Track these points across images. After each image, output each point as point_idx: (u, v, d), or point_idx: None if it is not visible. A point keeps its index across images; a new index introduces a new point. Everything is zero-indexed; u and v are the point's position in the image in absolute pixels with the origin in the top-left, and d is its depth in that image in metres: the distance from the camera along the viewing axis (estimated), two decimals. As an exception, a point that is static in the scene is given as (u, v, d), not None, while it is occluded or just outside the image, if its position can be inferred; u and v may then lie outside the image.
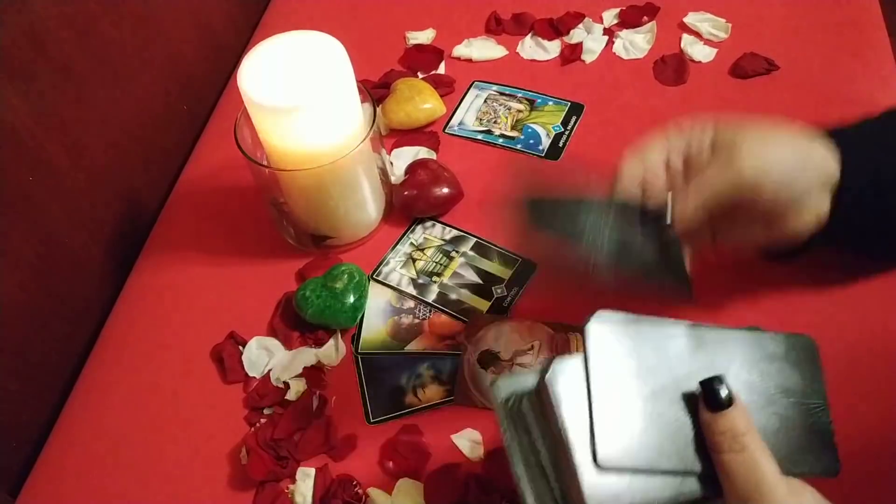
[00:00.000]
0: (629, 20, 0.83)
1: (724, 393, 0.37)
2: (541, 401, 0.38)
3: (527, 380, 0.40)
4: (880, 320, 0.59)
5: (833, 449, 0.39)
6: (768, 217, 0.51)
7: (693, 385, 0.38)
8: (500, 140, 0.75)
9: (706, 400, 0.37)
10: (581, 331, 0.38)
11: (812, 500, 0.36)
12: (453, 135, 0.76)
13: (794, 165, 0.49)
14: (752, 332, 0.42)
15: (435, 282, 0.65)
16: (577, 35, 0.83)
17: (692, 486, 0.37)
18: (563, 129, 0.75)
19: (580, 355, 0.38)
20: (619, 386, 0.37)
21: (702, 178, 0.49)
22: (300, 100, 0.55)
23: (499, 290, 0.64)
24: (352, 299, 0.62)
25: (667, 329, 0.40)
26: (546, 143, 0.74)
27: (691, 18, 0.82)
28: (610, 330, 0.38)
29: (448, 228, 0.69)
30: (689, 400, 0.38)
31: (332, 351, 0.62)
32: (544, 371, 0.38)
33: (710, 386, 0.37)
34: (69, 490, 0.57)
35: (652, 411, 0.37)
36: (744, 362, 0.40)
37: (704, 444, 0.38)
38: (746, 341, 0.41)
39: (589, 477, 0.36)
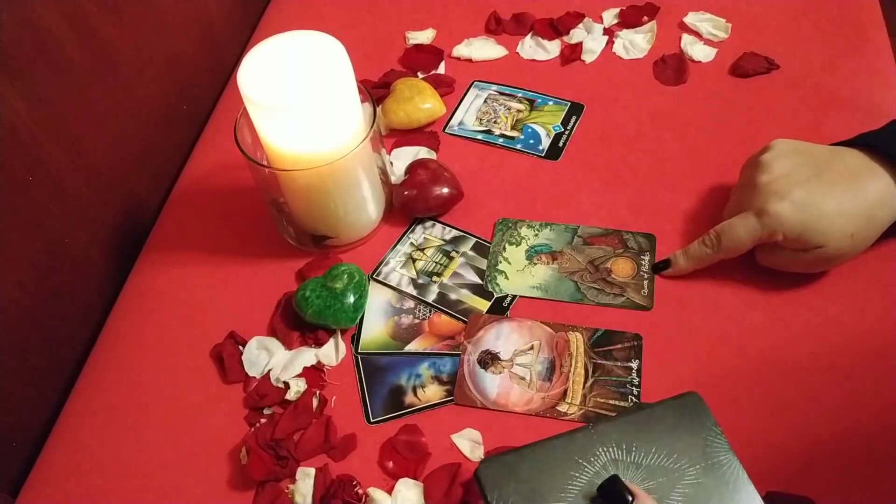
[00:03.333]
0: (629, 20, 0.83)
1: (622, 491, 0.38)
2: None
3: None
4: (880, 318, 0.59)
5: (755, 495, 0.40)
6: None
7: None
8: (500, 140, 0.75)
9: (607, 501, 0.38)
10: (476, 477, 0.39)
11: None
12: (453, 135, 0.76)
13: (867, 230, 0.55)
14: (638, 412, 0.42)
15: (435, 282, 0.65)
16: (577, 35, 0.83)
17: None
18: (563, 129, 0.75)
19: None
20: None
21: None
22: (300, 100, 0.55)
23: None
24: (352, 299, 0.62)
25: (556, 447, 0.41)
26: (546, 143, 0.74)
27: (691, 18, 0.82)
28: (500, 465, 0.40)
29: (448, 228, 0.69)
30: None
31: (332, 351, 0.62)
32: None
33: (607, 489, 0.38)
34: (69, 490, 0.57)
35: None
36: (639, 447, 0.41)
37: None
38: (635, 424, 0.42)
39: None
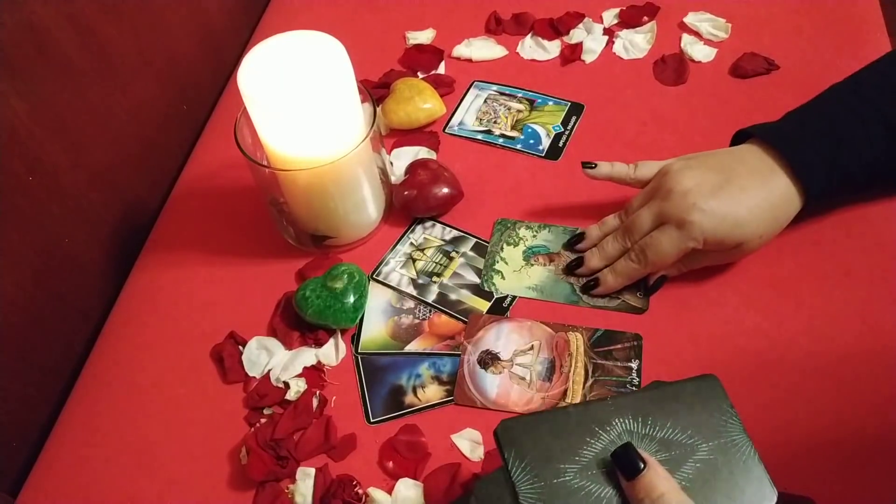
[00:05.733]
0: (629, 20, 0.83)
1: (634, 459, 0.38)
2: None
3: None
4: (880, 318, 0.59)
5: (765, 477, 0.40)
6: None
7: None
8: (500, 140, 0.75)
9: (620, 469, 0.39)
10: (495, 435, 0.40)
11: None
12: (453, 135, 0.76)
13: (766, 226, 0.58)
14: (655, 388, 0.43)
15: (435, 282, 0.65)
16: (577, 35, 0.83)
17: None
18: (563, 129, 0.75)
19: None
20: (541, 473, 0.39)
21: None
22: (300, 100, 0.55)
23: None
24: (352, 299, 0.62)
25: (575, 414, 0.41)
26: (546, 143, 0.74)
27: (691, 18, 0.82)
28: (519, 425, 0.40)
29: (448, 228, 0.69)
30: (612, 473, 0.39)
31: (332, 351, 0.62)
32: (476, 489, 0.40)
33: (620, 455, 0.39)
34: (69, 490, 0.57)
35: (579, 489, 0.39)
36: (654, 421, 0.41)
37: None
38: (652, 400, 0.42)
39: None
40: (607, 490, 0.39)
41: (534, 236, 0.67)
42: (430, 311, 0.64)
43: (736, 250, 0.59)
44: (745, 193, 0.57)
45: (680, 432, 0.41)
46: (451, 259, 0.67)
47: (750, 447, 0.41)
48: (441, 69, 0.82)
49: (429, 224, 0.69)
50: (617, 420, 0.41)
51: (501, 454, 0.40)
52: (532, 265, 0.65)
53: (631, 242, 0.60)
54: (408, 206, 0.69)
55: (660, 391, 0.42)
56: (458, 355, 0.60)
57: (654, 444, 0.40)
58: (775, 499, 0.39)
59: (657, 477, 0.38)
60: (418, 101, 0.75)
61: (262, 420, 0.58)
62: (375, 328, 0.63)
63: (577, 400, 0.57)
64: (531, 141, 0.74)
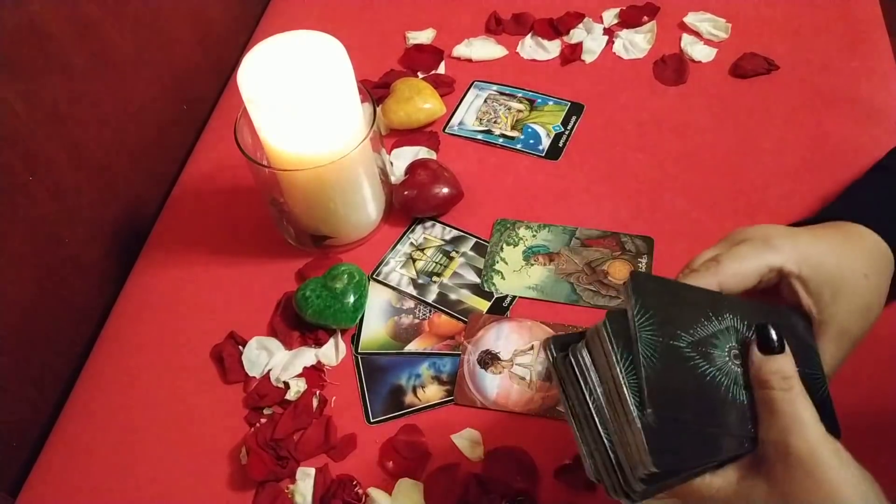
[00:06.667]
0: (629, 20, 0.83)
1: (777, 338, 0.40)
2: (597, 350, 0.40)
3: (575, 336, 0.42)
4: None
5: (833, 417, 0.41)
6: None
7: (722, 344, 0.40)
8: (500, 140, 0.75)
9: (760, 343, 0.40)
10: (624, 285, 0.40)
11: (844, 451, 0.37)
12: (453, 135, 0.76)
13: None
14: (769, 306, 0.44)
15: (435, 282, 0.65)
16: (577, 35, 0.83)
17: (731, 443, 0.39)
18: (563, 129, 0.75)
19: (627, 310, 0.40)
20: (660, 329, 0.39)
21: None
22: (300, 100, 0.55)
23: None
24: (352, 299, 0.62)
25: (695, 294, 0.42)
26: (546, 142, 0.74)
27: (691, 18, 0.82)
28: (650, 280, 0.41)
29: (448, 228, 0.69)
30: (720, 356, 0.40)
31: (332, 351, 0.62)
32: (598, 325, 0.40)
33: (765, 331, 0.40)
34: (69, 490, 0.57)
35: (688, 358, 0.39)
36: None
37: (738, 404, 0.39)
38: (764, 313, 0.43)
39: (646, 425, 0.37)
40: (710, 368, 0.39)
41: (534, 236, 0.67)
42: (430, 311, 0.64)
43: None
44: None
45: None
46: (451, 259, 0.67)
47: (826, 388, 0.42)
48: (441, 69, 0.82)
49: (429, 224, 0.69)
50: (729, 315, 0.41)
51: (630, 298, 0.40)
52: (532, 265, 0.65)
53: None
54: (408, 206, 0.69)
55: (773, 309, 0.43)
56: (458, 355, 0.60)
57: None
58: (839, 438, 0.39)
59: (790, 362, 0.39)
60: (418, 101, 0.75)
61: (262, 420, 0.58)
62: (375, 328, 0.63)
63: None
64: (531, 141, 0.74)
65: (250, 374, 0.61)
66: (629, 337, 0.39)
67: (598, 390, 0.40)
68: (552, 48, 0.82)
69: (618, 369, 0.38)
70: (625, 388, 0.38)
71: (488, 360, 0.60)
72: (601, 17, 0.84)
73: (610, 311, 0.40)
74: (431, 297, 0.64)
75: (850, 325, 0.45)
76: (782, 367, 0.39)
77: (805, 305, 0.45)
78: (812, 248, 0.46)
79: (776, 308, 0.44)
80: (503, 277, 0.65)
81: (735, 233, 0.49)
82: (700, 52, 0.79)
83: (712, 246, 0.48)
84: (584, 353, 0.40)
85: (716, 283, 0.44)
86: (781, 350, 0.39)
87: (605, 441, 0.39)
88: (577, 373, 0.40)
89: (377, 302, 0.64)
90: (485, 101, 0.78)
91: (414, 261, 0.67)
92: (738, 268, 0.45)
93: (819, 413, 0.38)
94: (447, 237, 0.68)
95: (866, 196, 0.56)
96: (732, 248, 0.47)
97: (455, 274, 0.66)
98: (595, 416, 0.40)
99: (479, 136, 0.76)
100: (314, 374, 0.60)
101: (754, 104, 0.75)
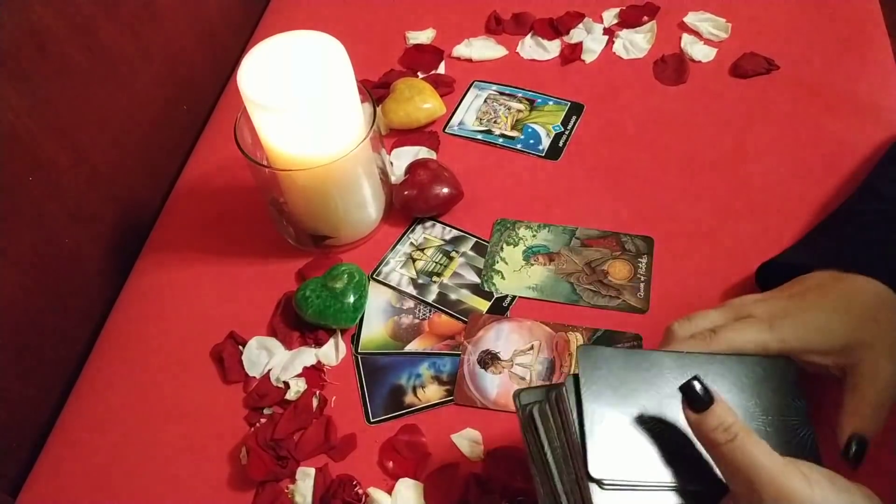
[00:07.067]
0: (629, 20, 0.83)
1: (703, 391, 0.38)
2: (556, 411, 0.42)
3: (542, 392, 0.44)
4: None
5: (816, 460, 0.40)
6: None
7: (677, 404, 0.40)
8: (500, 140, 0.75)
9: (689, 402, 0.39)
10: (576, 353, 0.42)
11: (808, 468, 0.37)
12: (453, 135, 0.76)
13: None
14: (735, 357, 0.44)
15: (435, 282, 0.65)
16: (577, 35, 0.83)
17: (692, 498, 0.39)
18: (563, 129, 0.75)
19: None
20: (610, 403, 0.40)
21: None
22: (300, 100, 0.55)
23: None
24: (352, 299, 0.62)
25: (652, 357, 0.43)
26: (546, 142, 0.74)
27: (691, 18, 0.82)
28: (600, 354, 0.42)
29: (448, 228, 0.69)
30: (677, 419, 0.40)
31: (332, 351, 0.62)
32: (559, 386, 0.42)
33: (690, 387, 0.38)
34: (69, 490, 0.57)
35: (644, 429, 0.40)
36: (724, 383, 0.42)
37: (697, 457, 0.40)
38: (728, 365, 0.43)
39: (596, 493, 0.39)
40: (661, 427, 0.40)
41: (534, 236, 0.67)
42: (430, 310, 0.64)
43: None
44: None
45: (747, 400, 0.42)
46: (451, 259, 0.67)
47: (810, 432, 0.42)
48: (441, 69, 0.82)
49: (429, 224, 0.69)
50: (689, 372, 0.40)
51: (580, 374, 0.41)
52: (532, 265, 0.65)
53: None
54: (408, 206, 0.69)
55: (735, 359, 0.43)
56: (458, 355, 0.60)
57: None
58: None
59: (725, 410, 0.38)
60: (418, 101, 0.75)
61: (262, 420, 0.58)
62: (375, 328, 0.63)
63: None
64: (531, 141, 0.74)
65: (250, 374, 0.61)
66: (579, 403, 0.40)
67: (555, 445, 0.42)
68: (552, 48, 0.82)
69: (566, 435, 0.41)
70: (577, 453, 0.40)
71: (488, 360, 0.60)
72: (601, 17, 0.84)
73: (570, 376, 0.42)
74: (431, 297, 0.64)
75: (880, 369, 0.44)
76: (721, 419, 0.37)
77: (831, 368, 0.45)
78: (812, 323, 0.46)
79: (744, 358, 0.44)
80: (503, 277, 0.65)
81: (735, 306, 0.48)
82: (700, 52, 0.79)
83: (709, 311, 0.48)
84: (540, 414, 0.43)
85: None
86: (710, 401, 0.38)
87: (560, 491, 0.42)
88: (537, 428, 0.43)
89: (377, 302, 0.64)
90: (485, 101, 0.78)
91: (414, 261, 0.67)
92: (731, 341, 0.45)
93: (796, 455, 0.38)
94: (447, 237, 0.68)
95: (859, 237, 0.55)
96: (731, 325, 0.46)
97: (455, 274, 0.66)
98: (553, 467, 0.42)
99: (479, 136, 0.76)
100: (314, 374, 0.60)
101: (754, 104, 0.75)
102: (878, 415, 0.43)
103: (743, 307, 0.48)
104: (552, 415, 0.42)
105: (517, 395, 0.45)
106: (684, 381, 0.39)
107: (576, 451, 0.40)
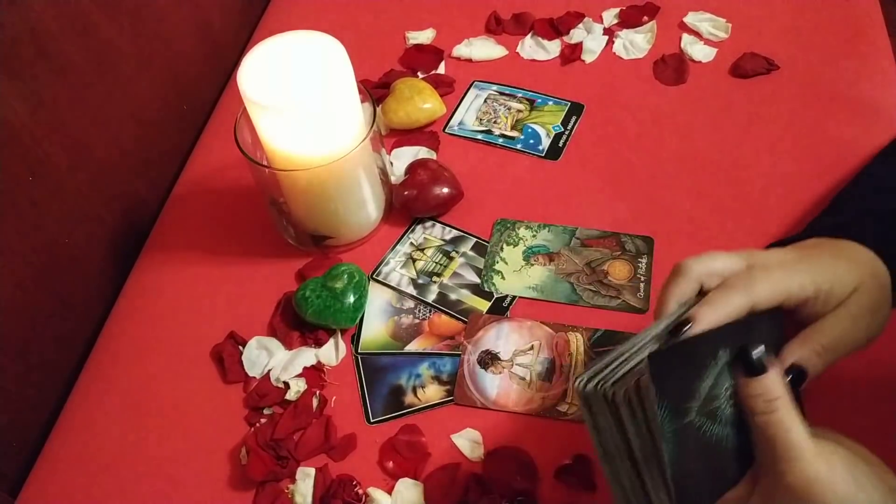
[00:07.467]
0: (629, 20, 0.83)
1: (758, 358, 0.39)
2: (639, 398, 0.39)
3: (607, 367, 0.40)
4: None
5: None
6: None
7: (719, 390, 0.39)
8: (500, 140, 0.75)
9: (743, 366, 0.39)
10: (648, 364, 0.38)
11: (841, 463, 0.37)
12: (453, 135, 0.76)
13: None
14: (742, 319, 0.42)
15: (435, 282, 0.65)
16: (577, 35, 0.83)
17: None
18: (563, 129, 0.75)
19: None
20: (676, 418, 0.38)
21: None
22: (300, 100, 0.55)
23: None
24: (352, 299, 0.62)
25: (693, 343, 0.40)
26: (546, 143, 0.74)
27: (691, 18, 0.82)
28: (664, 364, 0.39)
29: (448, 228, 0.69)
30: (721, 406, 0.39)
31: (332, 351, 0.62)
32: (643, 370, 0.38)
33: (744, 356, 0.39)
34: (69, 490, 0.57)
35: (701, 432, 0.39)
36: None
37: (735, 451, 0.39)
38: (742, 328, 0.42)
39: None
40: (715, 428, 0.39)
41: (534, 236, 0.67)
42: (430, 311, 0.64)
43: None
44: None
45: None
46: (451, 259, 0.67)
47: None
48: (441, 69, 0.82)
49: (429, 224, 0.69)
50: (721, 351, 0.40)
51: (651, 388, 0.37)
52: (532, 265, 0.65)
53: None
54: (408, 206, 0.69)
55: (749, 322, 0.42)
56: (458, 355, 0.60)
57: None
58: None
59: (776, 382, 0.38)
60: (418, 101, 0.75)
61: (262, 420, 0.58)
62: (375, 328, 0.63)
63: (577, 400, 0.57)
64: (531, 141, 0.74)
65: (250, 374, 0.61)
66: (649, 427, 0.38)
67: (638, 441, 0.39)
68: (552, 48, 0.82)
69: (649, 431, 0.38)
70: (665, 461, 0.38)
71: (488, 360, 0.60)
72: (601, 17, 0.84)
73: (648, 367, 0.38)
74: (431, 297, 0.64)
75: (844, 326, 0.44)
76: (766, 389, 0.38)
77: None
78: (824, 267, 0.45)
79: (751, 320, 0.43)
80: (503, 277, 0.65)
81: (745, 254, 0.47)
82: (700, 52, 0.79)
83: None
84: (629, 396, 0.39)
85: (750, 303, 0.42)
86: (763, 370, 0.39)
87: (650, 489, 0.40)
88: (626, 416, 0.39)
89: (377, 302, 0.64)
90: (485, 101, 0.78)
91: (414, 261, 0.67)
92: (772, 286, 0.43)
93: None
94: (447, 237, 0.68)
95: (854, 211, 0.55)
96: (758, 271, 0.44)
97: (455, 274, 0.66)
98: (643, 463, 0.40)
99: (479, 136, 0.76)
100: (314, 374, 0.60)
101: (754, 104, 0.75)
102: (824, 357, 0.43)
103: (753, 255, 0.47)
104: (634, 405, 0.39)
105: (580, 380, 0.41)
106: (723, 360, 0.39)
107: (654, 451, 0.38)
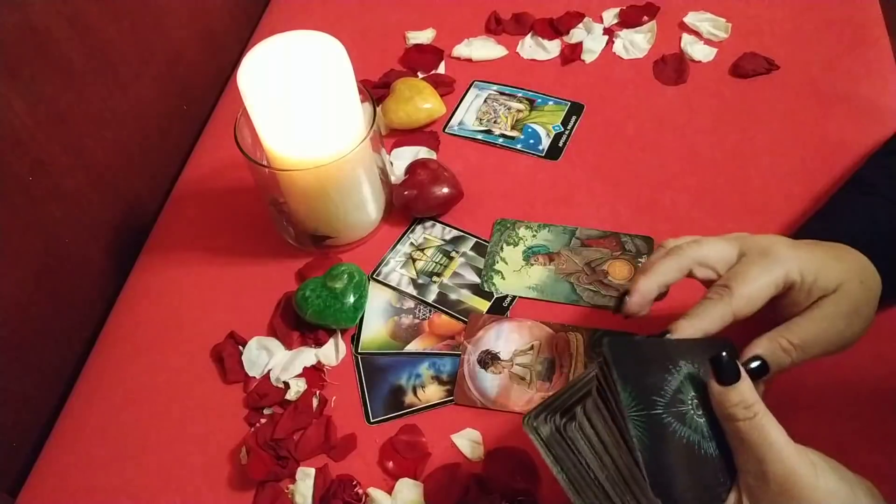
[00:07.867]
0: (629, 20, 0.83)
1: (733, 367, 0.39)
2: (598, 422, 0.40)
3: (553, 405, 0.42)
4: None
5: None
6: None
7: (685, 397, 0.40)
8: (500, 140, 0.75)
9: (717, 374, 0.39)
10: (600, 350, 0.40)
11: (821, 459, 0.39)
12: (453, 135, 0.76)
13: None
14: (702, 339, 0.44)
15: (435, 282, 0.65)
16: (577, 35, 0.83)
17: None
18: (563, 129, 0.75)
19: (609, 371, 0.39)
20: (643, 406, 0.39)
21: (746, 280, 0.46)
22: (300, 100, 0.55)
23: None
24: (352, 299, 0.62)
25: (650, 345, 0.42)
26: (546, 143, 0.74)
27: (691, 18, 0.82)
28: (621, 348, 0.40)
29: (448, 228, 0.69)
30: (688, 412, 0.40)
31: (332, 351, 0.62)
32: (584, 399, 0.40)
33: (720, 362, 0.39)
34: (69, 490, 0.57)
35: (667, 424, 0.39)
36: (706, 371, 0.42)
37: (709, 458, 0.40)
38: (703, 345, 0.43)
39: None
40: (684, 430, 0.39)
41: (534, 236, 0.67)
42: (430, 311, 0.64)
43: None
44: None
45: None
46: (451, 259, 0.67)
47: None
48: (441, 69, 0.82)
49: (429, 224, 0.69)
50: (682, 362, 0.41)
51: (607, 368, 0.39)
52: (532, 265, 0.65)
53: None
54: (408, 206, 0.69)
55: (712, 342, 0.43)
56: (458, 355, 0.60)
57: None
58: None
59: (749, 388, 0.39)
60: (418, 101, 0.75)
61: (262, 420, 0.58)
62: (375, 328, 0.63)
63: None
64: (531, 141, 0.74)
65: (250, 374, 0.61)
66: (616, 410, 0.39)
67: (603, 462, 0.40)
68: (552, 48, 0.82)
69: (624, 448, 0.39)
70: (640, 467, 0.37)
71: (488, 360, 0.60)
72: (601, 17, 0.84)
73: (592, 381, 0.40)
74: (431, 297, 0.64)
75: (835, 319, 0.45)
76: (743, 396, 0.39)
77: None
78: (812, 256, 0.46)
79: (714, 340, 0.44)
80: (503, 277, 0.65)
81: (734, 239, 0.49)
82: (700, 51, 0.79)
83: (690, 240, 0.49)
84: (585, 423, 0.40)
85: (730, 313, 0.44)
86: (738, 378, 0.39)
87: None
88: (580, 444, 0.40)
89: (377, 302, 0.64)
90: (485, 101, 0.79)
91: (414, 261, 0.67)
92: (751, 291, 0.45)
93: None
94: (447, 237, 0.68)
95: (848, 217, 0.57)
96: (738, 270, 0.46)
97: (455, 274, 0.66)
98: (607, 485, 0.40)
99: (479, 136, 0.76)
100: (314, 374, 0.60)
101: (754, 104, 0.75)
102: (793, 354, 0.44)
103: (745, 240, 0.48)
104: (595, 427, 0.40)
105: (531, 420, 0.42)
106: (685, 371, 0.39)
107: (630, 468, 0.38)
